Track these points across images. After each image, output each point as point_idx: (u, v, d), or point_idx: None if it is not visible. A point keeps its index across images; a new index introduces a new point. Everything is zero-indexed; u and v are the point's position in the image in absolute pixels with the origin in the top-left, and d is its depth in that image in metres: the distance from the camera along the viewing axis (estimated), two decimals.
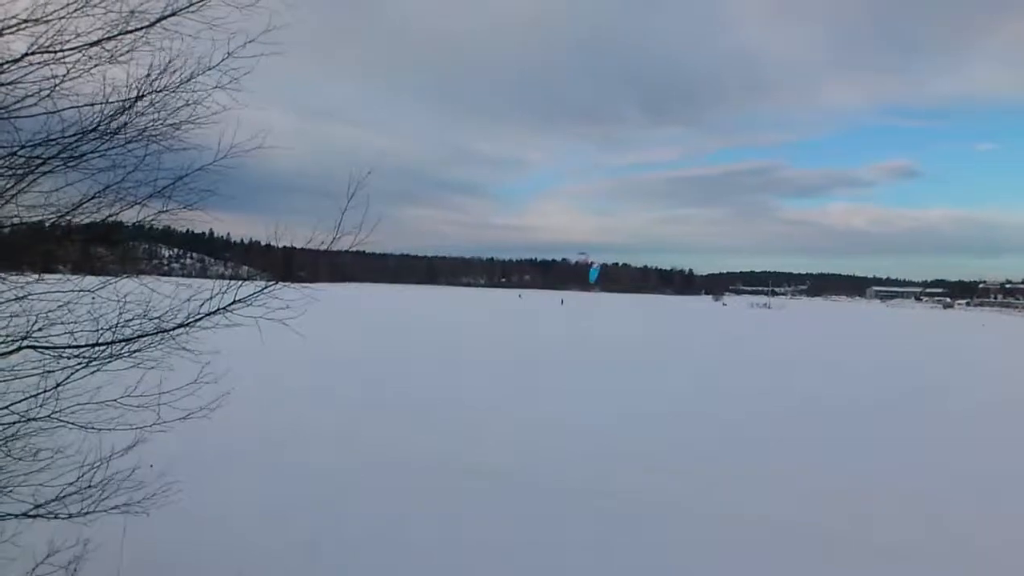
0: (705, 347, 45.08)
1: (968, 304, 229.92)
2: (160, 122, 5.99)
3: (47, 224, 6.02)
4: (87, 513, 6.16)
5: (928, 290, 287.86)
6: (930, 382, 30.19)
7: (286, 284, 6.78)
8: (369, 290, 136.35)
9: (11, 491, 6.00)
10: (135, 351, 6.08)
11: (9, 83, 5.42)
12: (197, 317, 6.21)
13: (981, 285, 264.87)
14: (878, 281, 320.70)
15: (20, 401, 5.86)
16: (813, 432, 18.56)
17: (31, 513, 6.00)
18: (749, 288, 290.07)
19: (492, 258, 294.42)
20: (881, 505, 12.46)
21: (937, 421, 20.97)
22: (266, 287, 6.52)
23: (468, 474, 13.22)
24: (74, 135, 5.63)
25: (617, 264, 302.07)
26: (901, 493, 13.28)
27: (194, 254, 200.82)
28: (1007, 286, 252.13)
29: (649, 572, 9.47)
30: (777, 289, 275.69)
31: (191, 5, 5.73)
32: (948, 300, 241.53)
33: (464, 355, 34.15)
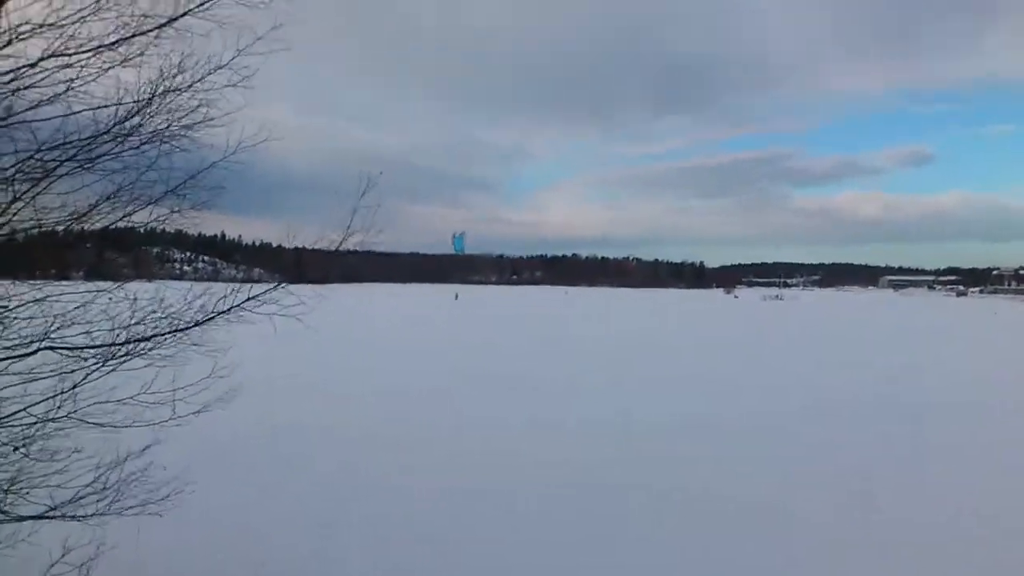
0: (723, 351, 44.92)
1: (982, 291, 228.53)
2: (173, 123, 6.04)
3: (63, 229, 6.07)
4: (103, 515, 6.24)
5: (941, 278, 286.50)
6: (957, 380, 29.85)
7: (293, 285, 6.87)
8: (388, 291, 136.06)
9: (28, 492, 6.07)
10: (151, 350, 6.15)
11: (25, 87, 5.48)
12: (211, 315, 6.28)
13: (995, 272, 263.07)
14: (890, 270, 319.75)
15: (38, 403, 5.92)
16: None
17: (47, 515, 6.08)
18: (761, 280, 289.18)
19: (502, 255, 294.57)
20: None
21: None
22: (275, 287, 6.61)
23: (479, 469, 13.26)
24: (89, 137, 5.69)
25: (628, 258, 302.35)
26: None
27: (206, 257, 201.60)
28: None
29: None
30: (789, 281, 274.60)
31: (201, 5, 5.78)
32: (962, 288, 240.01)
33: (474, 354, 34.11)
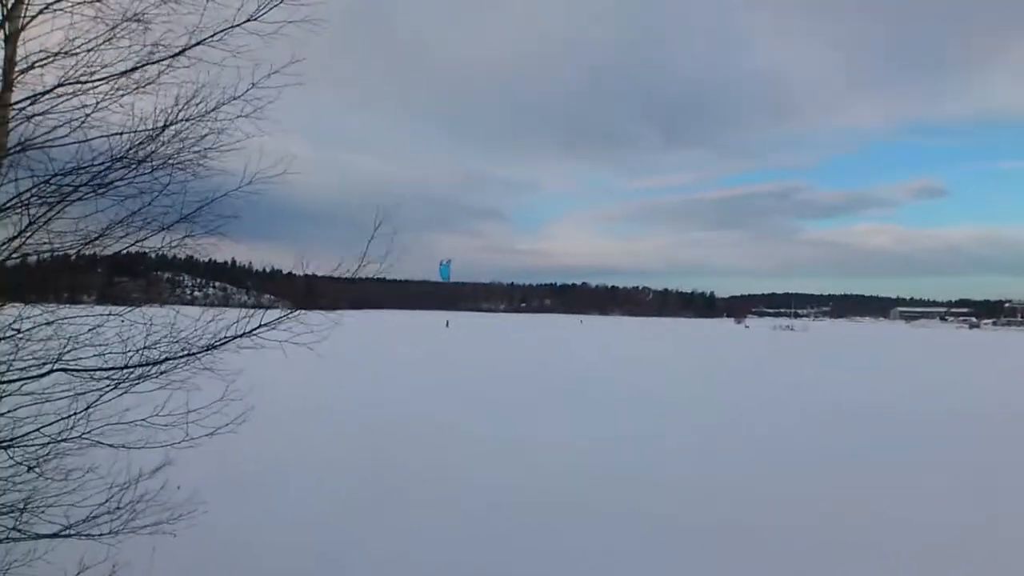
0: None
1: (995, 324, 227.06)
2: (186, 150, 6.13)
3: (75, 253, 6.17)
4: (116, 533, 6.29)
5: (953, 310, 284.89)
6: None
7: (307, 311, 6.95)
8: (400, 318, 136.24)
9: (43, 512, 6.13)
10: (163, 372, 6.22)
11: (41, 113, 5.60)
12: (223, 340, 6.35)
13: (1007, 304, 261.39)
14: (902, 302, 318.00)
15: (52, 424, 5.99)
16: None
17: (63, 533, 6.12)
18: (771, 310, 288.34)
19: (512, 283, 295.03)
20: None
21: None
22: (288, 314, 6.68)
23: (482, 493, 13.31)
24: (103, 163, 5.78)
25: (637, 288, 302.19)
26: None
27: (217, 283, 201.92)
28: None
29: None
30: (799, 311, 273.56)
31: (214, 35, 5.91)
32: (974, 320, 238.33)
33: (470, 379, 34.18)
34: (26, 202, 5.60)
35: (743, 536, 11.45)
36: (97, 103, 5.76)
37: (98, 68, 5.73)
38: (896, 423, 23.37)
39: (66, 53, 5.65)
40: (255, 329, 6.44)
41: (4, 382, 5.82)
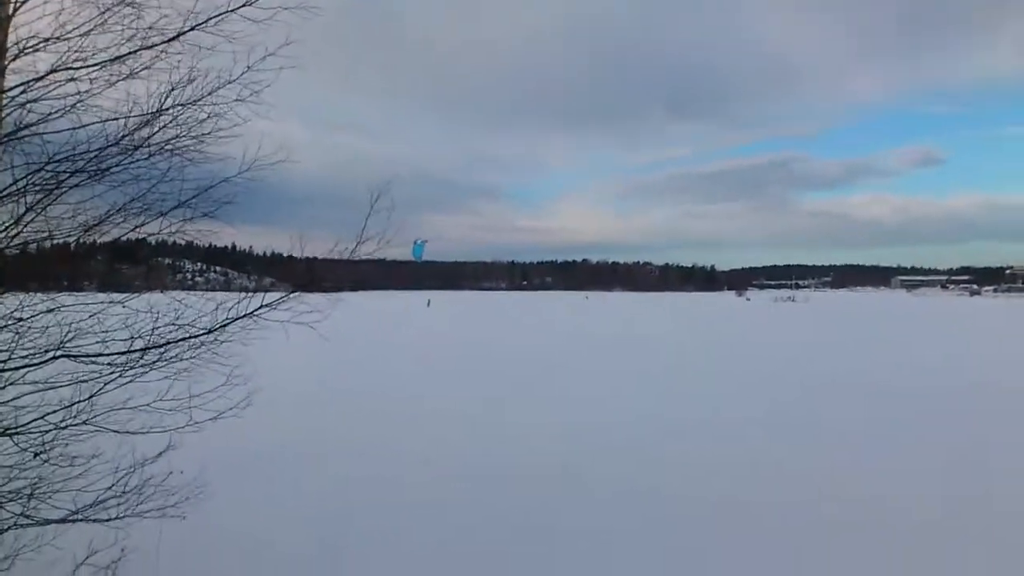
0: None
1: (995, 291, 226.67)
2: (183, 135, 6.10)
3: (74, 240, 6.15)
4: (123, 517, 6.33)
5: (954, 277, 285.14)
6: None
7: (305, 293, 6.95)
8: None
9: (50, 497, 6.16)
10: (167, 359, 6.22)
11: (35, 100, 5.57)
12: (225, 322, 6.35)
13: (1008, 271, 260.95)
14: (903, 271, 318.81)
15: (56, 411, 6.01)
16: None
17: (70, 518, 6.17)
18: (773, 282, 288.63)
19: (512, 261, 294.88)
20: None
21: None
22: (287, 295, 6.68)
23: (486, 480, 13.34)
24: (98, 149, 5.76)
25: (638, 262, 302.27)
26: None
27: (218, 268, 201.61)
28: None
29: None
30: (801, 282, 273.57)
31: (208, 20, 5.86)
32: (975, 287, 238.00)
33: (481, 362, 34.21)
34: (23, 189, 5.57)
35: (741, 511, 11.44)
36: (91, 89, 5.73)
37: (91, 53, 5.68)
38: (893, 395, 23.22)
39: (58, 38, 5.60)
40: (256, 310, 6.44)
41: (7, 370, 5.83)
